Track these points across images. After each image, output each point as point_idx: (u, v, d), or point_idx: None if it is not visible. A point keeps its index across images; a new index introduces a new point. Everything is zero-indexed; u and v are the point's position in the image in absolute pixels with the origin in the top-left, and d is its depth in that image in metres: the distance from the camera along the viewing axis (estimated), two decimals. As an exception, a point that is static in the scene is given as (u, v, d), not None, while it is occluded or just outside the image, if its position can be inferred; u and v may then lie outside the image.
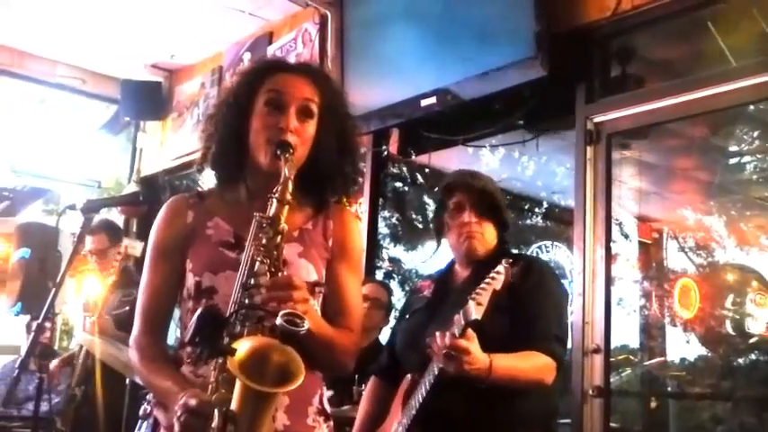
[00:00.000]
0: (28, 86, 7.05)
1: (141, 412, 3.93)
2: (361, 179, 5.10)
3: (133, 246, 6.66)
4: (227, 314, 1.66)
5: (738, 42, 3.78)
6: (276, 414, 1.75)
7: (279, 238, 1.73)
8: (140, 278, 5.02)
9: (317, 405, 1.93)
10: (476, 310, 2.34)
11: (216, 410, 1.54)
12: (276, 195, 1.76)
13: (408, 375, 2.67)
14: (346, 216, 2.07)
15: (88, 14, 5.98)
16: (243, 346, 1.57)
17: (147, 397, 3.92)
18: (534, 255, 8.70)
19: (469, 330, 2.38)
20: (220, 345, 1.58)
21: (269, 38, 5.90)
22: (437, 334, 2.41)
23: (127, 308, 4.61)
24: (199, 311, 1.60)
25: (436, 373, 2.47)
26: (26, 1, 5.83)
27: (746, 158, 7.28)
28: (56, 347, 6.74)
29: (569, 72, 3.99)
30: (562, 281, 3.00)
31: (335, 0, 5.07)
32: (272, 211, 1.75)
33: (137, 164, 7.30)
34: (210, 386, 1.62)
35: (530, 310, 2.60)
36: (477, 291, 2.39)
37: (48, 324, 5.52)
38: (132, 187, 7.02)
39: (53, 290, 2.89)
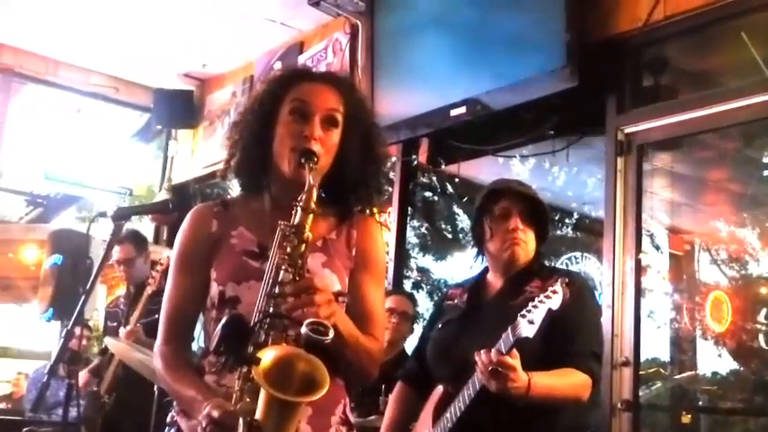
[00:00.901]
0: (62, 94, 7.14)
1: (168, 419, 3.96)
2: (390, 188, 5.11)
3: (162, 254, 6.72)
4: (252, 323, 1.65)
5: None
6: (299, 425, 1.73)
7: (303, 247, 1.73)
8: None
9: (339, 415, 1.92)
10: (527, 329, 2.30)
11: (240, 420, 1.54)
12: (300, 204, 1.75)
13: (440, 386, 2.64)
14: (370, 225, 2.06)
15: (122, 24, 6.06)
16: (268, 356, 1.56)
17: (174, 404, 3.95)
18: (565, 266, 8.67)
19: (513, 349, 2.35)
20: (245, 354, 1.58)
21: (300, 47, 5.93)
22: (483, 351, 2.38)
23: (156, 316, 4.65)
24: (224, 320, 1.60)
25: (478, 388, 2.44)
26: (60, 11, 5.92)
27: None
28: (88, 354, 6.81)
29: (600, 82, 3.96)
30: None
31: (366, 10, 5.08)
32: (296, 219, 1.74)
33: (168, 172, 7.36)
34: (234, 395, 1.62)
35: (568, 326, 2.55)
36: (530, 308, 2.34)
37: (77, 330, 5.61)
38: (163, 195, 7.08)
39: (82, 297, 2.90)
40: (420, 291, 8.81)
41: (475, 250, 2.89)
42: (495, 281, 2.78)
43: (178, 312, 1.95)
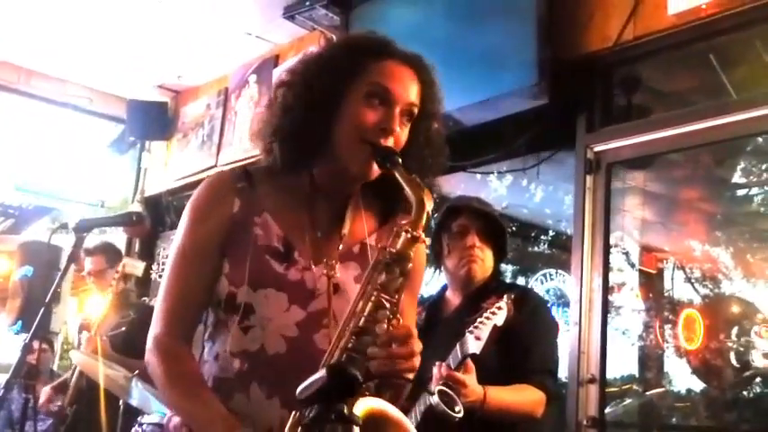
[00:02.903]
0: (35, 105, 7.08)
1: (132, 435, 3.91)
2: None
3: (134, 265, 6.66)
4: (359, 379, 1.32)
5: (740, 74, 3.78)
6: None
7: (400, 281, 1.45)
8: (138, 300, 5.00)
9: None
10: (474, 345, 2.35)
11: None
12: (408, 231, 1.45)
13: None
14: (421, 246, 1.69)
15: (96, 34, 6.03)
16: (359, 409, 1.33)
17: (139, 419, 3.90)
18: (539, 282, 8.71)
19: (469, 362, 2.38)
20: (346, 413, 1.30)
21: (275, 60, 5.93)
22: (436, 364, 2.40)
23: (122, 329, 4.62)
24: (331, 368, 1.30)
25: (429, 403, 2.46)
26: (34, 20, 5.87)
27: (754, 191, 7.26)
28: (55, 367, 6.74)
29: (571, 100, 4.00)
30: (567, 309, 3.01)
31: (341, 24, 5.09)
32: (399, 245, 1.45)
33: (141, 184, 7.32)
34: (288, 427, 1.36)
35: (523, 342, 2.61)
36: (477, 325, 2.38)
37: (36, 344, 5.55)
38: (136, 207, 7.03)
39: (41, 311, 2.87)
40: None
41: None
42: (453, 298, 2.81)
43: (183, 301, 1.64)
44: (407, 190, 1.51)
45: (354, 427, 1.29)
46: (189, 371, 1.61)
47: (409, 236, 1.46)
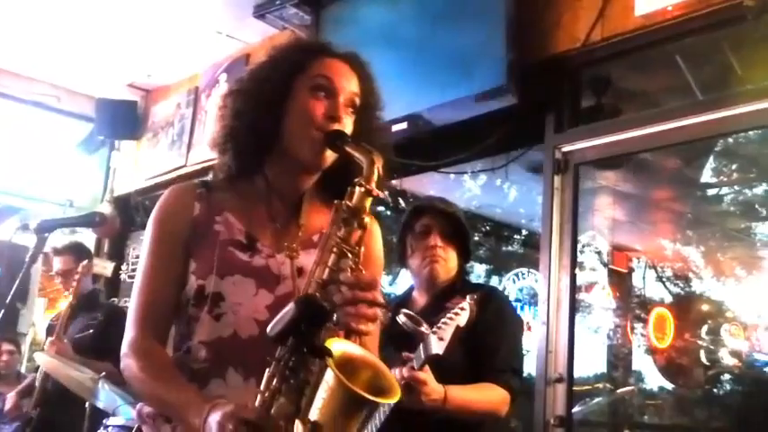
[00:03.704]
0: (2, 103, 6.99)
1: (100, 435, 3.89)
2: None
3: (104, 266, 6.62)
4: (326, 307, 1.40)
5: (706, 75, 3.82)
6: None
7: (361, 233, 1.52)
8: (106, 301, 4.96)
9: None
10: (436, 346, 2.35)
11: (298, 422, 1.33)
12: (362, 184, 1.53)
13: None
14: (374, 226, 1.83)
15: (65, 32, 5.97)
16: (334, 349, 1.36)
17: (105, 422, 3.87)
18: (512, 281, 8.75)
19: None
20: (319, 344, 1.35)
21: (246, 59, 5.90)
22: (398, 366, 2.40)
23: (90, 331, 4.58)
24: (296, 300, 1.37)
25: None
26: (2, 17, 5.80)
27: (724, 190, 7.33)
28: (23, 369, 6.67)
29: (539, 101, 4.01)
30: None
31: (312, 23, 5.08)
32: (354, 200, 1.53)
33: (110, 183, 7.25)
34: (260, 396, 1.40)
35: (487, 341, 2.62)
36: (440, 325, 2.38)
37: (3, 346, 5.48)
38: (105, 207, 6.97)
39: (1, 312, 2.84)
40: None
41: None
42: (419, 298, 2.82)
43: (153, 303, 1.70)
44: (358, 156, 1.58)
45: (327, 358, 1.33)
46: (162, 363, 1.66)
47: (363, 189, 1.52)
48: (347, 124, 1.71)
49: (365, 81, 1.79)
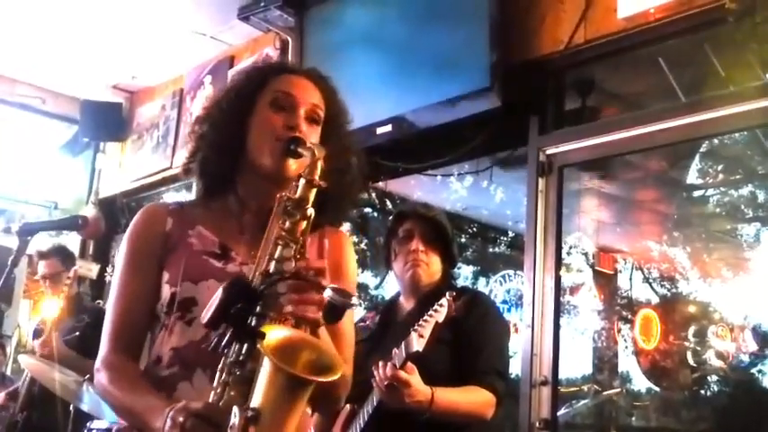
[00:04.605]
0: (-15, 105, 6.96)
1: (82, 439, 3.88)
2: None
3: (89, 268, 6.60)
4: (260, 288, 1.43)
5: (689, 77, 3.83)
6: None
7: (305, 224, 1.54)
8: (92, 303, 4.95)
9: None
10: (417, 343, 2.38)
11: (235, 409, 1.32)
12: (305, 175, 1.56)
13: (347, 405, 2.66)
14: (342, 238, 1.90)
15: (49, 34, 5.94)
16: (271, 335, 1.35)
17: (88, 425, 3.86)
18: (498, 283, 8.77)
19: (409, 363, 2.40)
20: (250, 325, 1.37)
21: (230, 61, 5.90)
22: (379, 365, 2.42)
23: (77, 333, 4.57)
24: (225, 284, 1.40)
25: (375, 403, 2.49)
26: (-15, 19, 5.77)
27: (710, 192, 7.37)
28: (8, 371, 6.64)
29: (523, 103, 4.00)
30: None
31: (296, 26, 5.07)
32: (298, 192, 1.55)
33: (95, 185, 7.22)
34: (213, 391, 1.43)
35: (473, 344, 2.64)
36: (420, 323, 2.42)
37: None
38: (90, 209, 6.95)
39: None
40: (358, 307, 8.81)
41: None
42: (405, 302, 2.84)
43: (126, 319, 1.73)
44: (304, 153, 1.62)
45: (259, 340, 1.33)
46: (130, 376, 1.69)
47: (305, 180, 1.55)
48: (310, 135, 1.72)
49: (327, 93, 1.82)
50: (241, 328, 1.37)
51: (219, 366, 1.44)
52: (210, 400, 1.42)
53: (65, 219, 3.75)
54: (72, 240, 6.60)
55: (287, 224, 1.53)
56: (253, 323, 1.41)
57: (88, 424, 3.83)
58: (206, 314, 1.40)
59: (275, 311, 1.44)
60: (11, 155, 7.27)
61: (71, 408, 4.03)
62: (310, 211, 1.55)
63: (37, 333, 5.09)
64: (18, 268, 4.65)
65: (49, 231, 5.14)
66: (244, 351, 1.40)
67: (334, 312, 1.45)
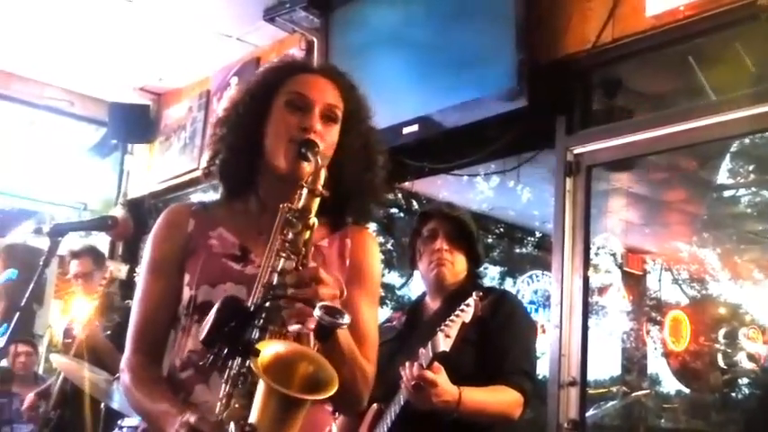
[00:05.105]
0: (16, 108, 7.03)
1: (113, 437, 3.92)
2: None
3: (119, 268, 6.66)
4: (252, 307, 1.46)
5: (719, 76, 3.78)
6: None
7: (308, 234, 1.55)
8: (122, 303, 5.01)
9: None
10: (444, 343, 2.37)
11: (232, 424, 1.36)
12: (307, 185, 1.57)
13: (374, 405, 2.66)
14: (366, 237, 1.87)
15: (77, 37, 5.99)
16: (267, 350, 1.36)
17: (119, 422, 3.91)
18: (525, 283, 8.73)
19: (436, 363, 2.39)
20: (243, 343, 1.39)
21: (256, 63, 5.91)
22: (406, 365, 2.42)
23: (108, 332, 4.61)
24: (219, 302, 1.43)
25: (402, 403, 2.49)
26: (15, 23, 5.83)
27: (741, 192, 7.28)
28: (41, 370, 6.72)
29: (550, 103, 3.98)
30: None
31: (322, 27, 5.09)
32: (301, 202, 1.56)
33: (123, 187, 7.28)
34: (219, 403, 1.45)
35: (499, 344, 2.63)
36: (447, 323, 2.42)
37: (13, 348, 5.53)
38: (119, 210, 7.01)
39: (16, 315, 2.85)
40: (384, 307, 8.83)
41: None
42: (431, 302, 2.84)
43: (148, 321, 1.76)
44: (312, 160, 1.62)
45: (252, 357, 1.35)
46: (150, 378, 1.71)
47: (307, 190, 1.57)
48: (326, 134, 1.73)
49: (345, 90, 1.81)
50: (234, 347, 1.39)
51: (224, 378, 1.46)
52: (217, 411, 1.45)
53: (95, 219, 3.79)
54: (101, 241, 6.66)
55: (289, 235, 1.54)
56: (253, 337, 1.43)
57: (119, 421, 3.88)
58: (201, 332, 1.43)
59: (276, 324, 1.46)
60: (40, 157, 7.36)
61: (102, 406, 4.08)
62: (313, 221, 1.56)
63: (67, 333, 5.15)
64: (49, 269, 4.72)
65: (80, 232, 5.19)
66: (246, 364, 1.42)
67: (323, 332, 1.44)
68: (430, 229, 2.81)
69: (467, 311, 2.43)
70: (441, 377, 2.40)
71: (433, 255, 2.77)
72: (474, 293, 2.46)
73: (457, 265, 2.78)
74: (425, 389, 2.37)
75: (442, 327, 2.42)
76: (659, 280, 8.51)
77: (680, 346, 7.81)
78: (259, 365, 1.33)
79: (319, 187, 1.57)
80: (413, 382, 2.38)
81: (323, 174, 1.58)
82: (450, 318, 2.44)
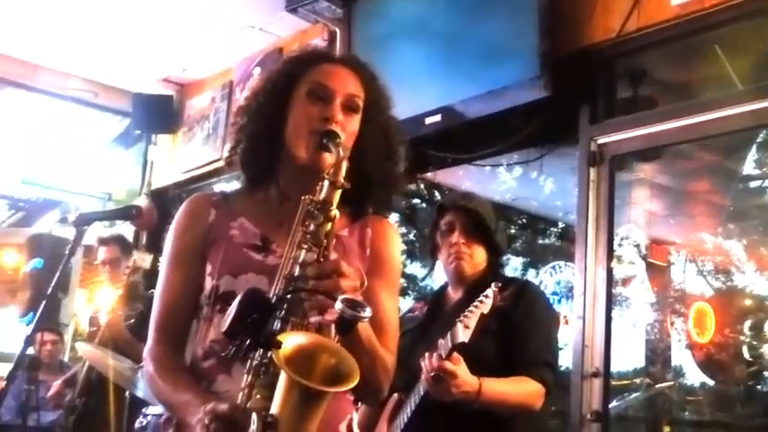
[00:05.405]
0: (40, 99, 7.09)
1: (137, 425, 3.96)
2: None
3: (143, 258, 6.70)
4: (274, 299, 1.47)
5: (746, 65, 3.73)
6: None
7: (329, 226, 1.55)
8: (146, 292, 5.06)
9: (343, 431, 1.75)
10: (463, 333, 2.37)
11: (254, 415, 1.35)
12: (329, 176, 1.57)
13: (395, 395, 2.67)
14: (386, 226, 1.87)
15: (101, 27, 6.02)
16: (288, 342, 1.37)
17: (144, 410, 3.95)
18: (548, 274, 8.69)
19: (455, 354, 2.39)
20: (265, 335, 1.38)
21: (278, 53, 5.91)
22: (426, 355, 2.42)
23: (132, 321, 4.66)
24: (240, 295, 1.43)
25: (422, 393, 2.49)
26: (39, 14, 5.87)
27: (767, 183, 7.20)
28: (66, 358, 6.79)
29: (574, 92, 3.95)
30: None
31: (344, 17, 5.08)
32: (323, 194, 1.56)
33: (147, 177, 7.32)
34: (242, 393, 1.45)
35: (520, 335, 2.62)
36: (466, 314, 2.41)
37: (39, 336, 5.59)
38: (142, 200, 7.05)
39: (43, 303, 2.88)
40: (407, 297, 8.84)
41: None
42: (453, 293, 2.84)
43: (170, 310, 1.77)
44: (333, 151, 1.63)
45: (274, 349, 1.34)
46: (173, 367, 1.72)
47: (328, 182, 1.57)
48: (347, 124, 1.73)
49: (366, 80, 1.80)
50: (256, 339, 1.39)
51: (246, 368, 1.47)
52: (239, 401, 1.44)
53: (119, 209, 3.82)
54: (125, 231, 6.72)
55: (311, 226, 1.54)
56: (274, 328, 1.44)
57: (143, 409, 3.92)
58: (223, 324, 1.43)
59: (297, 316, 1.47)
60: (65, 148, 7.42)
61: (126, 394, 4.11)
62: (334, 213, 1.56)
63: (92, 321, 5.20)
64: (74, 258, 4.76)
65: (105, 221, 5.24)
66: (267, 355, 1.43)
67: (345, 325, 1.43)
68: (447, 222, 2.80)
69: (486, 302, 2.42)
70: (460, 368, 2.39)
71: (450, 248, 2.76)
72: (493, 284, 2.45)
73: (475, 257, 2.77)
74: (445, 380, 2.37)
75: (461, 317, 2.41)
76: (684, 271, 8.45)
77: (705, 338, 7.75)
78: (280, 357, 1.34)
79: (341, 179, 1.57)
80: (432, 374, 2.38)
81: (344, 165, 1.58)
82: (470, 308, 2.43)
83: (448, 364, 2.37)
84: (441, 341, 2.42)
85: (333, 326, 1.46)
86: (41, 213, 8.46)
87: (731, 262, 8.18)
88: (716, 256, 8.27)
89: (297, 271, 1.51)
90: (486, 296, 2.41)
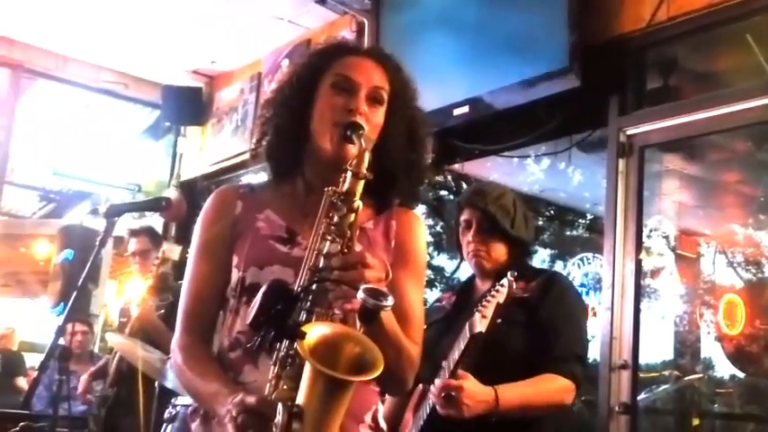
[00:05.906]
0: (71, 90, 7.16)
1: (166, 415, 3.99)
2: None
3: (171, 249, 6.76)
4: (298, 290, 1.48)
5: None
6: None
7: (353, 217, 1.56)
8: (175, 284, 5.09)
9: (369, 422, 1.74)
10: (480, 323, 2.35)
11: (280, 406, 1.36)
12: (351, 168, 1.58)
13: (419, 385, 2.66)
14: (412, 219, 1.87)
15: (131, 20, 6.08)
16: (313, 332, 1.38)
17: (173, 401, 3.98)
18: (576, 266, 8.66)
19: (460, 370, 2.38)
20: (289, 326, 1.40)
21: (307, 45, 5.92)
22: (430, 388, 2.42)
23: (162, 311, 4.69)
24: (265, 286, 1.44)
25: (431, 405, 2.50)
26: (70, 6, 5.94)
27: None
28: (96, 349, 6.87)
29: (603, 83, 3.93)
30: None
31: (372, 8, 5.09)
32: (346, 185, 1.57)
33: (177, 168, 7.36)
34: (269, 384, 1.46)
35: (550, 327, 2.58)
36: (483, 303, 2.40)
37: (70, 327, 5.65)
38: (172, 191, 7.10)
39: (74, 294, 2.91)
40: (434, 289, 8.85)
41: None
42: (481, 284, 2.81)
43: (197, 302, 1.78)
44: (357, 143, 1.63)
45: (298, 340, 1.36)
46: (201, 358, 1.73)
47: (351, 174, 1.57)
48: (372, 116, 1.73)
49: (391, 71, 1.80)
50: (280, 330, 1.40)
51: (272, 359, 1.47)
52: (266, 393, 1.45)
53: (149, 200, 3.84)
54: (154, 223, 6.77)
55: (335, 218, 1.55)
56: (299, 319, 1.45)
57: (173, 400, 3.94)
58: (248, 316, 1.44)
59: (322, 307, 1.48)
60: (95, 139, 7.49)
61: (155, 384, 4.14)
62: (358, 204, 1.56)
63: (122, 312, 5.25)
64: (105, 249, 4.80)
65: (134, 213, 5.28)
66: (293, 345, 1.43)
67: (367, 314, 1.44)
68: (464, 220, 2.78)
69: (501, 291, 2.38)
70: (467, 381, 2.37)
71: (468, 245, 2.75)
72: (509, 273, 2.43)
73: (494, 253, 2.72)
74: (455, 397, 2.35)
75: (479, 307, 2.40)
76: (713, 263, 8.37)
77: (734, 330, 7.67)
78: (305, 348, 1.34)
79: (363, 170, 1.57)
80: (442, 394, 2.38)
81: (367, 157, 1.58)
82: (486, 298, 2.41)
83: (451, 381, 2.36)
84: (462, 332, 2.42)
85: (356, 316, 1.47)
86: (72, 205, 8.55)
87: (762, 253, 8.10)
88: (746, 247, 8.19)
89: (321, 262, 1.51)
90: (502, 285, 2.39)
